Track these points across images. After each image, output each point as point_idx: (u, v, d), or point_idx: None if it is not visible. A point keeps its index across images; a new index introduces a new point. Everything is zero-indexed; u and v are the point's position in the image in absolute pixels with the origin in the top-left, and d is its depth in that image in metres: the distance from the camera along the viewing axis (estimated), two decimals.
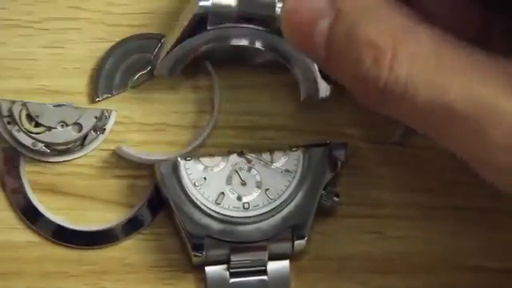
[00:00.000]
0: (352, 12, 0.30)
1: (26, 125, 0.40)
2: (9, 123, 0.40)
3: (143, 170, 0.41)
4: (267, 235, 0.39)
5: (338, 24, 0.30)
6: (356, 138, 0.42)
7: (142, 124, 0.41)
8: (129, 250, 0.41)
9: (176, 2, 0.41)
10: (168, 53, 0.40)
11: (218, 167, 0.40)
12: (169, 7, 0.41)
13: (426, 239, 0.42)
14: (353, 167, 0.41)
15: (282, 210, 0.39)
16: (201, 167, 0.40)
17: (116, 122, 0.41)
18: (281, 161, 0.40)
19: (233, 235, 0.39)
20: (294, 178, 0.39)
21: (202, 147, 0.41)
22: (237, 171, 0.40)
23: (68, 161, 0.41)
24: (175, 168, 0.39)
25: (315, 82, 0.40)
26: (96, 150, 0.41)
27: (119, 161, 0.41)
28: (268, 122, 0.41)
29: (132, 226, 0.41)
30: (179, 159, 0.39)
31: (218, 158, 0.40)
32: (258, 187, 0.40)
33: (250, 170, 0.40)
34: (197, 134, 0.41)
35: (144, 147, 0.41)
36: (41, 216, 0.41)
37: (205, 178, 0.39)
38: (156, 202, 0.41)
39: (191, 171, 0.39)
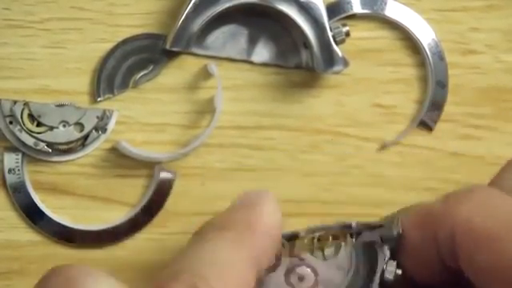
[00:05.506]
0: None
1: (28, 124, 0.40)
2: (11, 123, 0.40)
3: (144, 169, 0.41)
4: None
5: None
6: (356, 138, 0.42)
7: (144, 124, 0.41)
8: (130, 249, 0.41)
9: (176, 2, 0.41)
10: (181, 23, 0.40)
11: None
12: (169, 7, 0.41)
13: None
14: (353, 166, 0.42)
15: None
16: None
17: (117, 122, 0.41)
18: (333, 257, 0.34)
19: None
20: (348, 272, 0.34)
21: (204, 147, 0.41)
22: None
23: (70, 160, 0.41)
24: None
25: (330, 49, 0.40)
26: (97, 150, 0.41)
27: (121, 160, 0.41)
28: (270, 122, 0.42)
29: (133, 225, 0.41)
30: None
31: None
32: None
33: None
34: (198, 134, 0.41)
35: (145, 147, 0.41)
36: (42, 215, 0.41)
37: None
38: (157, 202, 0.41)
39: None
